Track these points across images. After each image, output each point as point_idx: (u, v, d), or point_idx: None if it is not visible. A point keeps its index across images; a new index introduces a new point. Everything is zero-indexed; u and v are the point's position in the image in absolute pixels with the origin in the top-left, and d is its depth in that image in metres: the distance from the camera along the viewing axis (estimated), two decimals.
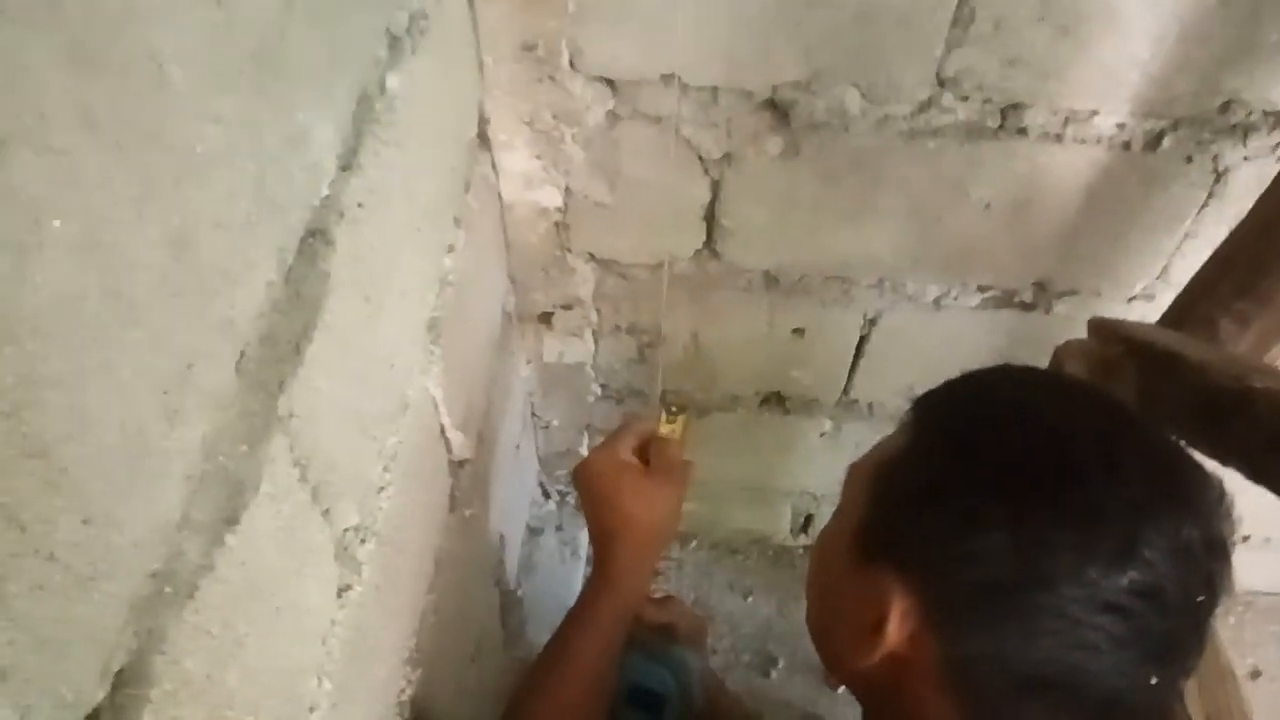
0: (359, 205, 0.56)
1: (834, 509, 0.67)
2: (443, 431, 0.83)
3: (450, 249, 0.80)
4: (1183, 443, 0.76)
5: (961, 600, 0.52)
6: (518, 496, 1.32)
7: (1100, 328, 0.90)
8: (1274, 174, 0.85)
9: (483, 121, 0.91)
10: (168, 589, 0.37)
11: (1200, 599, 0.50)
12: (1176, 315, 0.86)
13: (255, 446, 0.42)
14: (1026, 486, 0.51)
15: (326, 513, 0.53)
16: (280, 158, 0.44)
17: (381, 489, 0.63)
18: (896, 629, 0.54)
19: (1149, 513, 0.49)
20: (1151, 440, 0.55)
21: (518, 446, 1.25)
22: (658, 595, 1.00)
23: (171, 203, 0.34)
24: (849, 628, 0.58)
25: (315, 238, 0.50)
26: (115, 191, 0.31)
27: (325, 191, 0.51)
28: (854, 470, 0.64)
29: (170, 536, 0.36)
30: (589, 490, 0.82)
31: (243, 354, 0.41)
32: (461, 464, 0.90)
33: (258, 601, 0.44)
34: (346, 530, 0.57)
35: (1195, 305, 0.83)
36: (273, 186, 0.43)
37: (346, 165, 0.53)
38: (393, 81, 0.60)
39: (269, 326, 0.43)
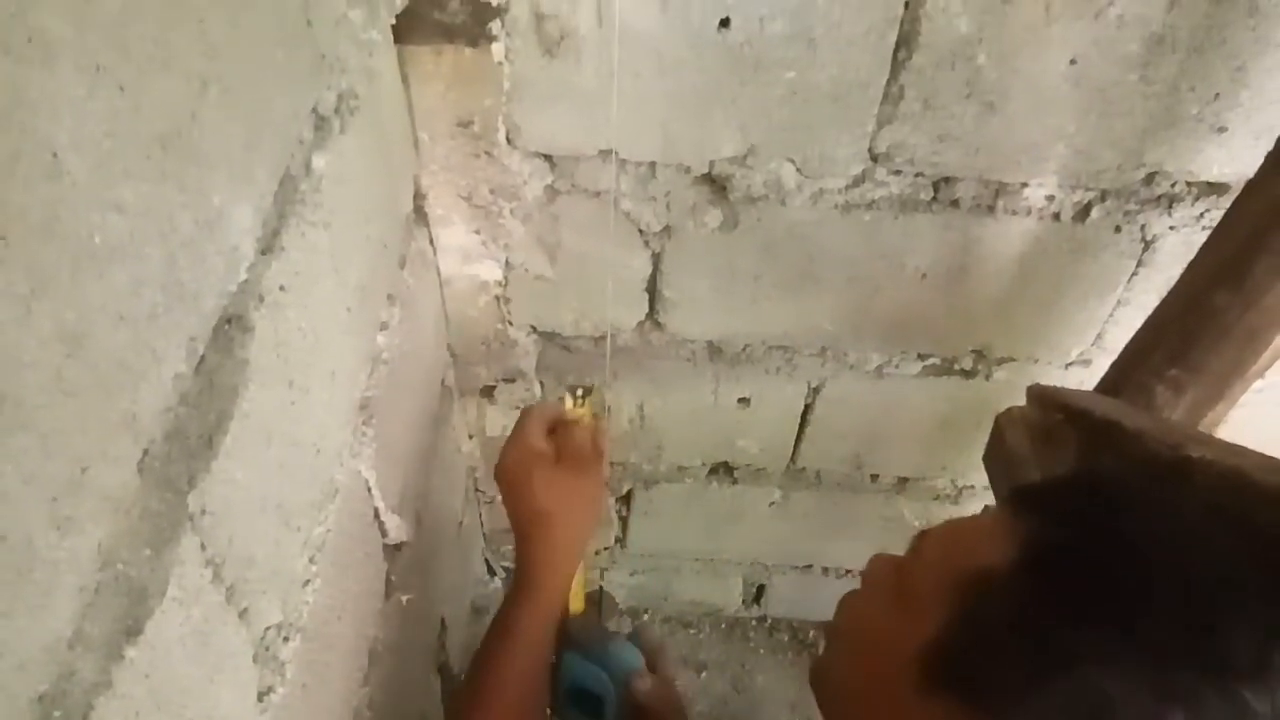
0: (281, 288, 0.54)
1: (861, 596, 0.57)
2: (376, 515, 0.80)
3: (384, 326, 0.78)
4: None
5: None
6: (460, 576, 1.28)
7: (1040, 396, 0.91)
8: (1200, 242, 0.87)
9: (419, 197, 0.90)
10: (57, 713, 0.34)
11: None
12: (1113, 382, 0.87)
13: (160, 549, 0.40)
14: (1166, 652, 0.40)
15: (244, 613, 0.50)
16: (192, 243, 0.42)
17: (307, 582, 0.60)
18: None
19: None
20: None
21: (460, 523, 1.22)
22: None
23: (66, 297, 0.33)
24: None
25: (232, 324, 0.48)
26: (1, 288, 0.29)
27: (243, 276, 0.49)
28: (927, 569, 0.50)
29: (60, 655, 0.34)
30: (502, 486, 0.77)
31: (146, 452, 0.39)
32: (397, 547, 0.87)
33: (164, 716, 0.41)
34: (268, 629, 0.54)
35: (1131, 373, 0.84)
36: (184, 274, 0.42)
37: (268, 248, 0.52)
38: (319, 161, 0.59)
39: (177, 421, 0.41)
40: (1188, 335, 0.78)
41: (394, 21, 0.75)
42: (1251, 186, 0.72)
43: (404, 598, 0.90)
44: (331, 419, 0.65)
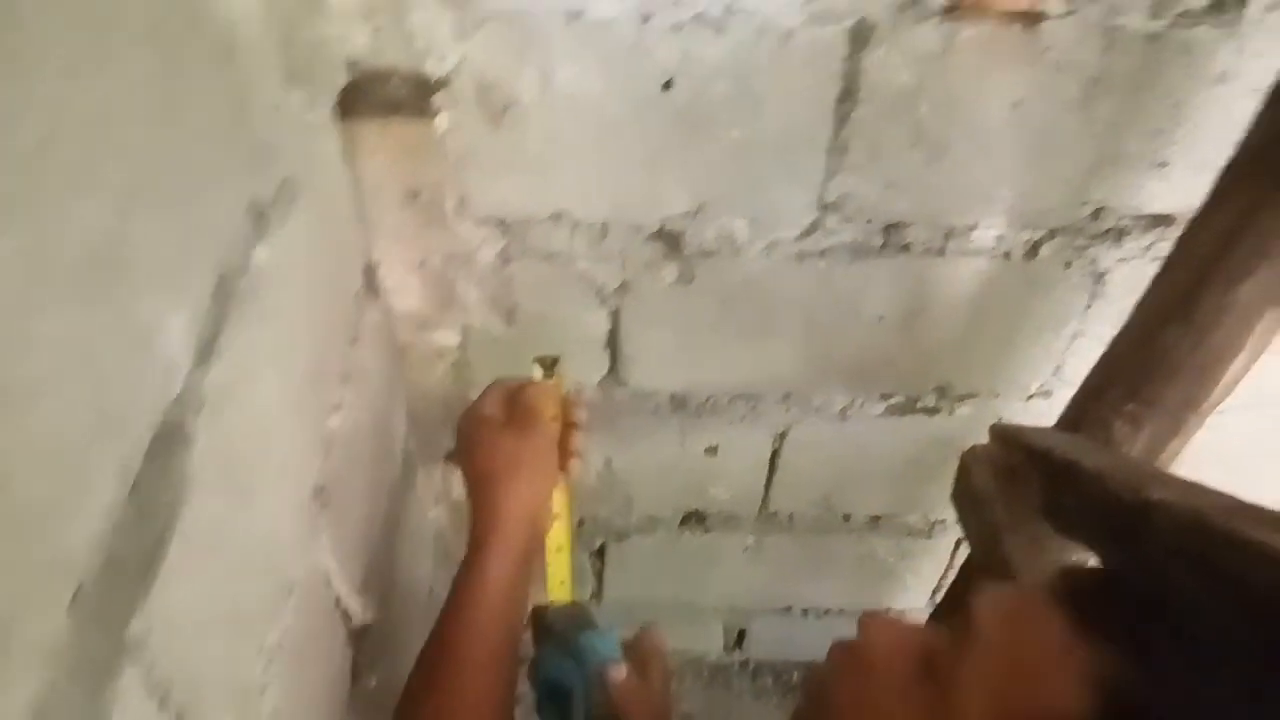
0: (221, 392, 0.52)
1: (862, 671, 0.47)
2: (338, 603, 0.78)
3: (337, 408, 0.77)
4: (1094, 555, 0.77)
5: None
6: None
7: (1001, 434, 0.91)
8: (1150, 272, 0.88)
9: (370, 269, 0.89)
10: None
11: None
12: (1073, 418, 0.87)
13: (98, 690, 0.38)
14: None
15: None
16: (122, 365, 0.41)
17: (265, 689, 0.58)
18: None
19: None
20: None
21: (430, 590, 1.19)
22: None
23: None
24: None
25: (169, 438, 0.46)
26: None
27: (180, 387, 0.47)
28: (973, 693, 0.42)
29: None
30: (456, 454, 0.78)
31: (78, 590, 0.37)
32: (363, 630, 0.85)
33: None
34: None
35: (1089, 408, 0.84)
36: (113, 398, 0.40)
37: (205, 354, 0.50)
38: (259, 255, 0.58)
39: (111, 552, 0.39)
40: (1141, 371, 0.78)
41: (336, 100, 0.74)
42: (1194, 224, 0.73)
43: (372, 681, 0.88)
44: (283, 514, 0.64)
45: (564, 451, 0.81)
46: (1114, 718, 0.37)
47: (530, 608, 0.77)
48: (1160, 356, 0.76)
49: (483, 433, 0.76)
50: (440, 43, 0.73)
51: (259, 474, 0.59)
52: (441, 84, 0.76)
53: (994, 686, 0.41)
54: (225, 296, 0.54)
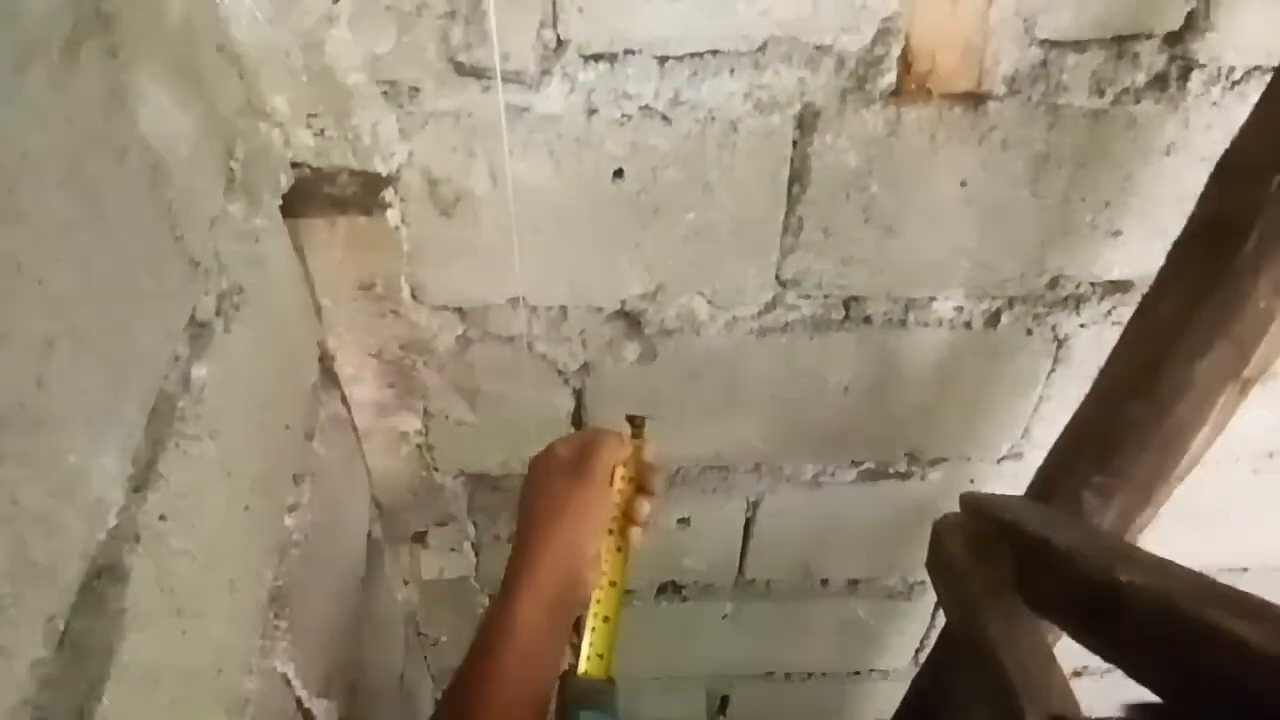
0: (161, 518, 0.51)
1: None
2: (300, 705, 0.76)
3: (293, 508, 0.75)
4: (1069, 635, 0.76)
5: None
6: None
7: (972, 504, 0.90)
8: (1111, 336, 0.88)
9: (326, 359, 0.88)
10: None
11: None
12: (1043, 487, 0.86)
13: None
14: None
15: None
16: (46, 516, 0.40)
17: None
18: None
19: None
20: None
21: (402, 676, 1.17)
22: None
23: None
24: None
25: (102, 578, 0.45)
26: None
27: (112, 523, 0.46)
28: None
29: None
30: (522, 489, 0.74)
31: None
32: None
33: None
34: None
35: (1058, 479, 0.84)
36: (35, 552, 0.39)
37: (141, 484, 0.49)
38: (199, 371, 0.57)
39: (37, 713, 0.38)
40: (1108, 445, 0.78)
41: (280, 201, 0.73)
42: (1148, 300, 0.73)
43: None
44: (234, 630, 0.62)
45: (628, 516, 0.75)
46: None
47: (562, 671, 0.71)
48: (1126, 430, 0.76)
49: (540, 471, 0.72)
50: (386, 141, 0.73)
51: (206, 594, 0.57)
52: (390, 180, 0.76)
53: None
54: (163, 420, 0.53)
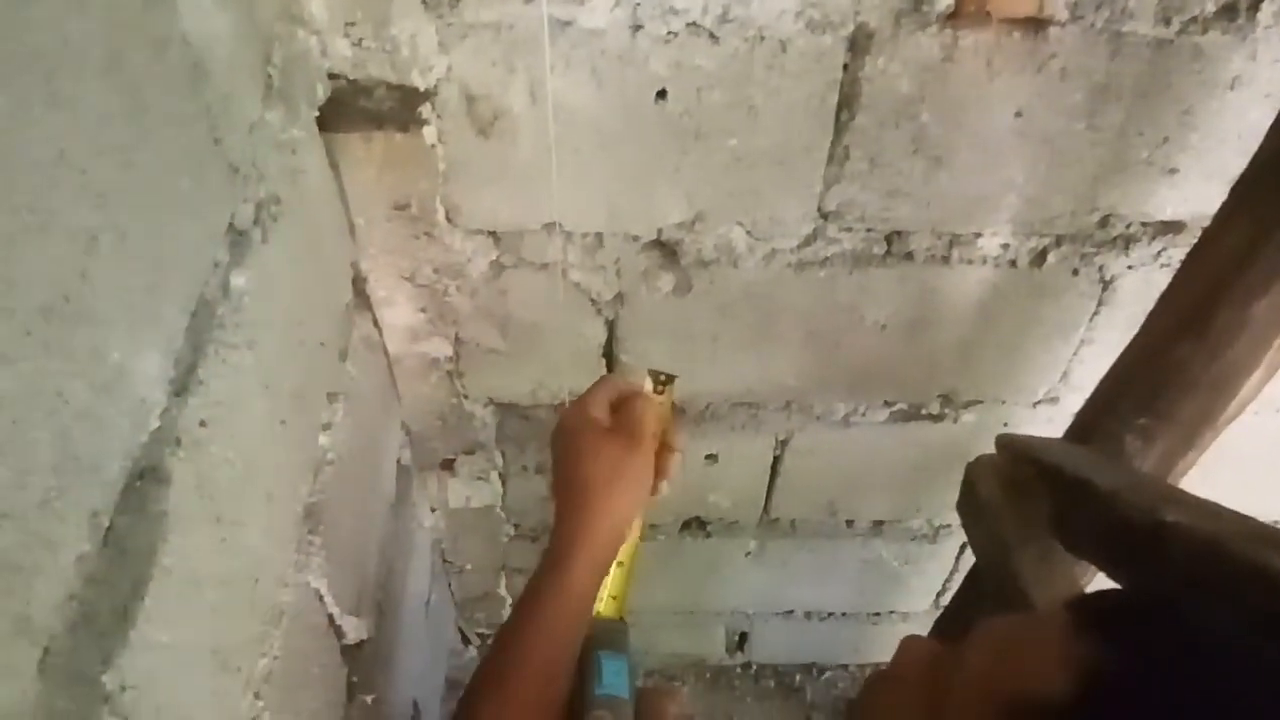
0: (201, 424, 0.51)
1: (889, 684, 0.54)
2: (331, 621, 0.77)
3: (326, 427, 0.75)
4: (1106, 575, 0.75)
5: None
6: (433, 654, 1.24)
7: (1009, 446, 0.89)
8: (1159, 279, 0.86)
9: (359, 280, 0.87)
10: None
11: None
12: (1082, 429, 0.85)
13: None
14: None
15: None
16: (88, 413, 0.39)
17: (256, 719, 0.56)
18: None
19: None
20: None
21: (428, 601, 1.18)
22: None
23: None
24: None
25: (144, 479, 0.45)
26: None
27: (155, 425, 0.45)
28: (969, 679, 0.45)
29: None
30: (552, 449, 0.74)
31: (47, 650, 0.35)
32: (359, 646, 0.84)
33: None
34: None
35: (1099, 421, 0.82)
36: (80, 448, 0.38)
37: (183, 388, 0.49)
38: (238, 280, 0.56)
39: (83, 608, 0.38)
40: (1154, 386, 0.76)
41: (318, 114, 0.72)
42: (1208, 236, 0.71)
43: (369, 698, 0.86)
44: (270, 542, 0.62)
45: (656, 471, 0.75)
46: (1094, 699, 0.39)
47: None
48: (1173, 371, 0.74)
49: (588, 437, 0.71)
50: (425, 54, 0.71)
51: (244, 504, 0.57)
52: (428, 95, 0.74)
53: (981, 669, 0.45)
54: (203, 326, 0.52)
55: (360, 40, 0.70)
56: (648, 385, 0.78)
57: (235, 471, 0.56)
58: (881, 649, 1.55)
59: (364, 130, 0.75)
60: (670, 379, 0.78)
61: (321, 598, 0.74)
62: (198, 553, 0.50)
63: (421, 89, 0.73)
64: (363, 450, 0.87)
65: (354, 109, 0.74)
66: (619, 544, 0.72)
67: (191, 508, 0.49)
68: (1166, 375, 0.75)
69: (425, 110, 0.75)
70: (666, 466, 0.75)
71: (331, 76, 0.72)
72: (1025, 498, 0.85)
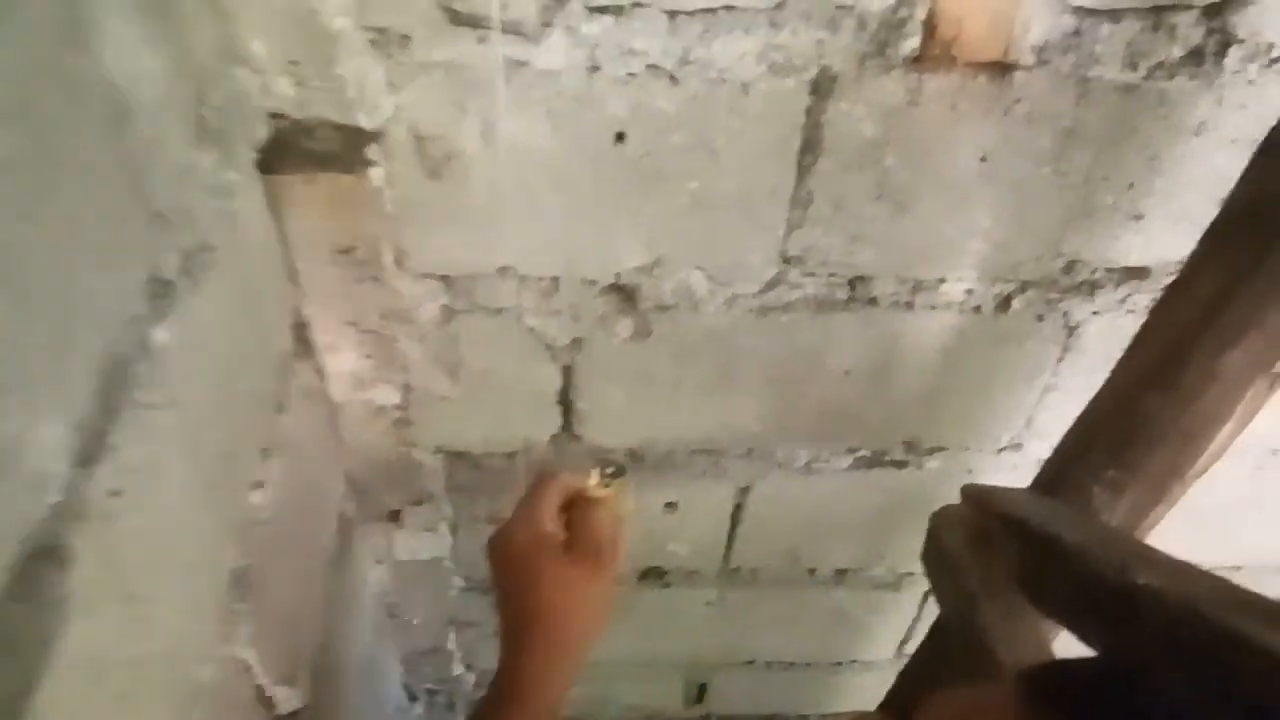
0: (113, 494, 0.46)
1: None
2: (261, 693, 0.71)
3: (259, 485, 0.70)
4: (1074, 636, 0.73)
5: None
6: (376, 715, 1.18)
7: (974, 496, 0.86)
8: (1125, 325, 0.85)
9: (301, 327, 0.83)
10: None
11: None
12: (1049, 480, 0.83)
13: None
14: None
15: None
16: None
17: None
18: None
19: None
20: None
21: (371, 660, 1.12)
22: None
23: None
24: None
25: (40, 560, 0.40)
26: None
27: (55, 499, 0.41)
28: None
29: None
30: (496, 568, 0.66)
31: None
32: (292, 716, 0.78)
33: None
34: None
35: (1067, 471, 0.80)
36: None
37: (90, 457, 0.44)
38: (161, 335, 0.52)
39: None
40: (1122, 437, 0.74)
41: (258, 155, 0.68)
42: (1179, 284, 0.69)
43: None
44: (190, 617, 0.57)
45: None
46: None
47: None
48: (1142, 422, 0.72)
49: (545, 563, 0.64)
50: (373, 93, 0.68)
51: (160, 578, 0.53)
52: (375, 136, 0.70)
53: None
54: (116, 387, 0.47)
55: (304, 80, 0.66)
56: (593, 478, 0.72)
57: (150, 544, 0.51)
58: (844, 699, 1.51)
59: (307, 172, 0.72)
60: (621, 471, 0.74)
61: (250, 668, 0.69)
62: (103, 637, 0.45)
63: (368, 129, 0.70)
64: (300, 506, 0.82)
65: (297, 150, 0.70)
66: (577, 672, 0.65)
67: (97, 588, 0.44)
68: (1134, 426, 0.73)
69: (372, 151, 0.71)
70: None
71: (273, 116, 0.68)
72: (991, 551, 0.83)
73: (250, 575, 0.68)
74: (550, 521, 0.67)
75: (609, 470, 0.74)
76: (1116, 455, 0.75)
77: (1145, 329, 0.73)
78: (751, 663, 1.44)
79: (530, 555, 0.65)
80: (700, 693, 1.52)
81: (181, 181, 0.56)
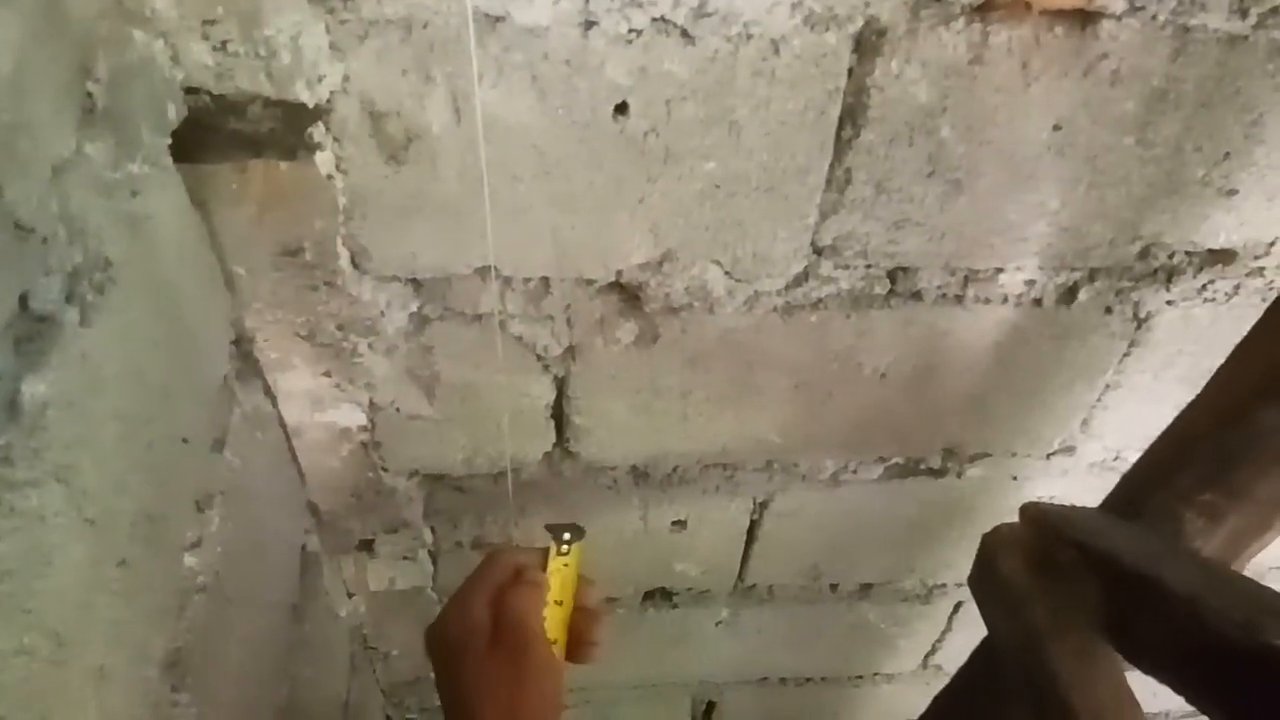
0: None
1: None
2: None
3: (195, 545, 0.58)
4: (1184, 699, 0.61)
5: None
6: None
7: (1038, 519, 0.75)
8: (1201, 316, 0.74)
9: (244, 342, 0.70)
10: None
11: None
12: (1127, 501, 0.72)
13: None
14: None
15: None
16: None
17: None
18: None
19: None
20: None
21: (346, 702, 1.00)
22: None
23: None
24: None
25: None
26: None
27: None
28: None
29: None
30: (431, 659, 0.61)
31: None
32: None
33: None
34: None
35: (1150, 493, 0.69)
36: None
37: None
38: (35, 389, 0.39)
39: None
40: (1226, 457, 0.63)
41: (171, 141, 0.54)
42: None
43: None
44: None
45: (578, 641, 0.65)
46: None
47: None
48: (1253, 442, 0.61)
49: (469, 658, 0.59)
50: (313, 60, 0.54)
51: (62, 696, 0.40)
52: (319, 113, 0.57)
53: None
54: None
55: (224, 43, 0.53)
56: (553, 550, 0.65)
57: (40, 659, 0.39)
58: (862, 712, 1.41)
59: (237, 159, 0.58)
60: (574, 531, 0.66)
61: None
62: None
63: (310, 105, 0.56)
64: (250, 555, 0.69)
65: (222, 133, 0.57)
66: None
67: None
68: (1243, 446, 0.62)
69: (317, 132, 0.58)
70: (591, 632, 0.65)
71: (189, 92, 0.54)
72: (1061, 582, 0.71)
73: (189, 655, 0.56)
74: (478, 608, 0.61)
75: (565, 537, 0.66)
76: (1218, 478, 0.64)
77: (1259, 329, 0.61)
78: (764, 679, 1.33)
79: (458, 649, 0.60)
80: (708, 711, 1.41)
81: (60, 182, 0.42)
